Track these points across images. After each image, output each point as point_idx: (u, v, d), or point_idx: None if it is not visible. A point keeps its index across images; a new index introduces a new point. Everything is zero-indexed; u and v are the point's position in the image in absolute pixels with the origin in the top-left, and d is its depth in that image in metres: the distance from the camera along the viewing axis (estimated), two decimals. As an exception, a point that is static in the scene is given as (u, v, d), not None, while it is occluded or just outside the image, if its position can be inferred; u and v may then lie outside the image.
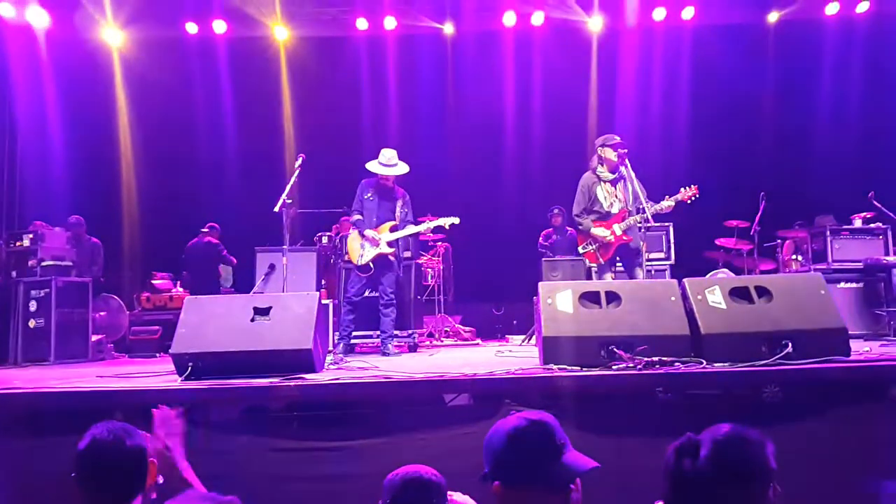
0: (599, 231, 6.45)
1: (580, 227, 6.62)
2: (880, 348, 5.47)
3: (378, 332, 7.01)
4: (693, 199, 6.34)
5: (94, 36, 10.53)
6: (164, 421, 2.77)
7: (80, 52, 10.41)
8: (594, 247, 6.53)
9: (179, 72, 10.80)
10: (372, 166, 6.94)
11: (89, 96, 10.56)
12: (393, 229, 6.90)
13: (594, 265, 6.64)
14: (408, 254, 7.92)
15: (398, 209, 6.96)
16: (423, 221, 7.32)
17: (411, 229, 6.99)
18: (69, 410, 4.10)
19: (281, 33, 10.81)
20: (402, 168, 6.97)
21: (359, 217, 6.93)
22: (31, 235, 7.76)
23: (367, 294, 6.98)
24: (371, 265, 6.81)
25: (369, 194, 6.95)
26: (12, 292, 7.58)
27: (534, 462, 1.93)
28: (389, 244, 6.85)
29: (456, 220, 7.12)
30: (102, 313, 8.57)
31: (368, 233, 6.82)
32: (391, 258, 6.91)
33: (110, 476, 2.29)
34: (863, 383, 4.13)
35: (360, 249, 6.83)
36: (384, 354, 6.78)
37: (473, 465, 3.56)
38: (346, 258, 7.31)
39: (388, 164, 6.90)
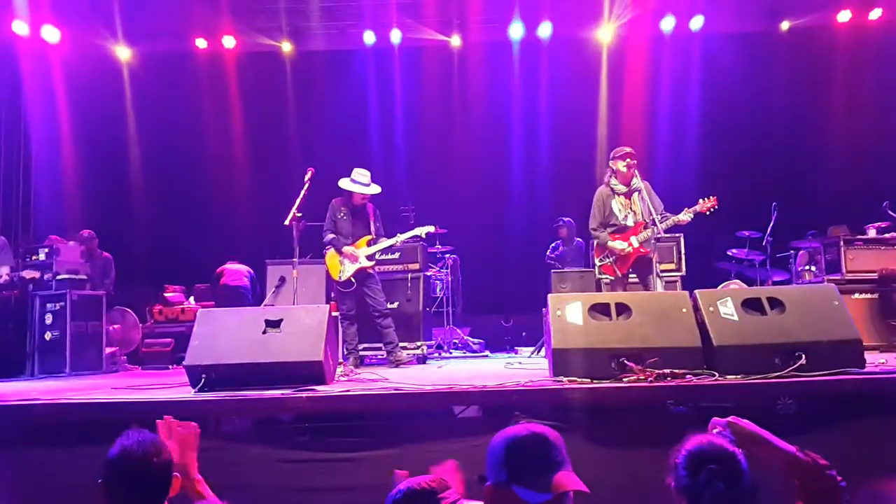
0: (617, 244, 6.42)
1: (598, 241, 6.59)
2: (896, 360, 5.40)
3: (383, 344, 7.07)
4: (712, 210, 6.26)
5: (105, 52, 10.65)
6: (176, 434, 2.78)
7: (91, 68, 10.48)
8: (611, 259, 6.49)
9: (189, 86, 10.88)
10: (347, 185, 7.02)
11: (101, 111, 10.64)
12: (370, 243, 7.00)
13: (609, 277, 6.56)
14: (416, 266, 7.94)
15: (372, 224, 7.09)
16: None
17: (386, 242, 7.05)
18: (87, 421, 4.18)
19: (289, 48, 10.88)
20: (375, 189, 7.10)
21: (332, 236, 7.02)
22: (46, 250, 7.89)
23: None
24: (352, 280, 6.90)
25: (342, 213, 7.06)
26: (28, 305, 7.69)
27: (522, 468, 1.94)
28: (368, 258, 6.96)
29: (431, 229, 7.22)
30: (116, 326, 8.63)
31: (347, 249, 6.91)
32: (370, 271, 7.00)
33: (138, 486, 2.31)
34: (878, 396, 4.08)
35: (340, 266, 6.93)
36: (394, 365, 6.79)
37: (484, 477, 3.57)
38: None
39: (364, 183, 7.01)
